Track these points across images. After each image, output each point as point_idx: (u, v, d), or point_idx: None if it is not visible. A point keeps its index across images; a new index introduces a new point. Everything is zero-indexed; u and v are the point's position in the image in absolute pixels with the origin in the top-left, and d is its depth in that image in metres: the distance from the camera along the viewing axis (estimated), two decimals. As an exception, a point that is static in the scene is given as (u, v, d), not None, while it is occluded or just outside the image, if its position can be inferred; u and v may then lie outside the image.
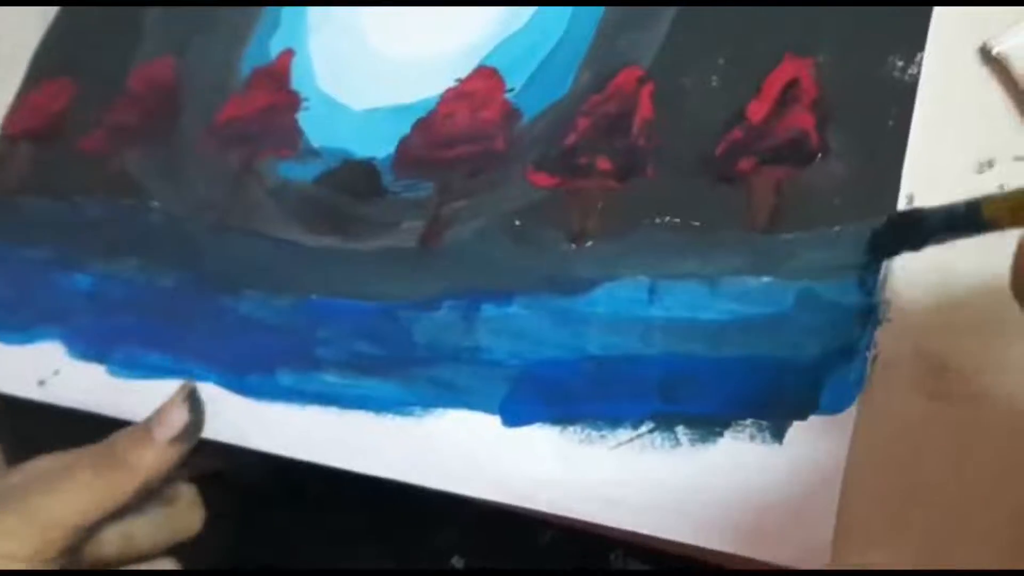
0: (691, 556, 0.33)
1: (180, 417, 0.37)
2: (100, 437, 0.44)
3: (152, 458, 0.36)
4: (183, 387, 0.38)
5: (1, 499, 0.35)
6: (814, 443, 0.30)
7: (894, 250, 0.31)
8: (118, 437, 0.37)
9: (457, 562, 0.40)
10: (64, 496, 0.35)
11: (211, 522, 0.38)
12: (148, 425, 0.37)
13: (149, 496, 0.37)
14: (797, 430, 0.30)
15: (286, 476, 0.40)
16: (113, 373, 0.42)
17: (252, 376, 0.39)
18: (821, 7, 0.36)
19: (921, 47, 0.34)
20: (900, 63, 0.34)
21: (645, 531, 0.31)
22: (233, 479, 0.43)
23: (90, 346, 0.43)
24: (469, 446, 0.35)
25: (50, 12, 0.54)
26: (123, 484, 0.36)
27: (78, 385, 0.42)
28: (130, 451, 0.36)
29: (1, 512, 0.34)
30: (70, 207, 0.48)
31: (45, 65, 0.53)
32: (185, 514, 0.38)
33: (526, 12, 0.42)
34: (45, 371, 0.43)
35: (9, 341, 0.45)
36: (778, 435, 0.30)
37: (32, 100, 0.52)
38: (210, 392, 0.39)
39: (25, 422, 0.48)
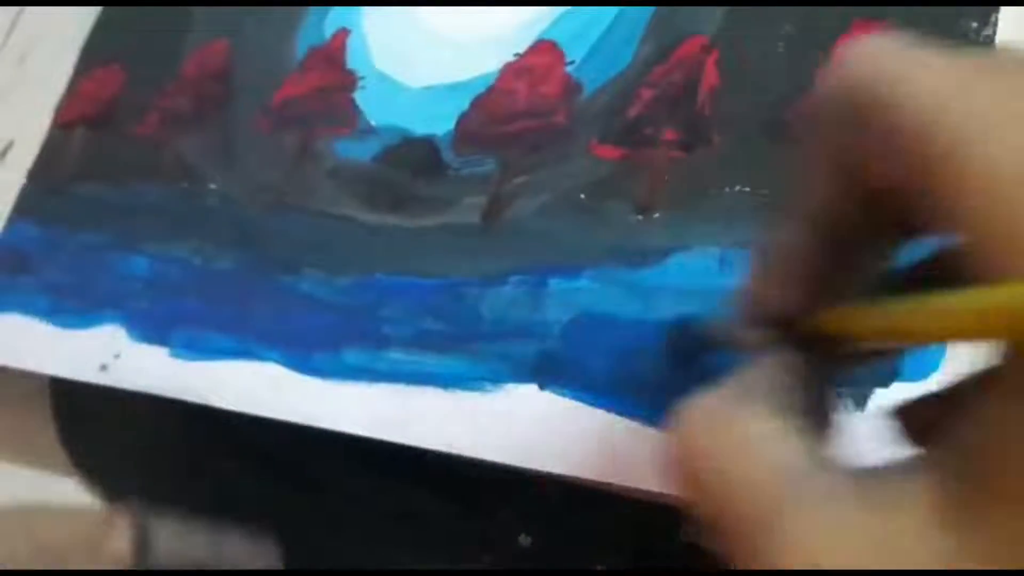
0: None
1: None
2: (158, 420, 0.44)
3: None
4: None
5: None
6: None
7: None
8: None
9: (524, 540, 0.39)
10: None
11: (270, 496, 0.38)
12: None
13: None
14: (880, 398, 0.30)
15: (349, 453, 0.40)
16: (176, 355, 0.42)
17: (317, 355, 0.39)
18: None
19: (996, 7, 0.33)
20: (974, 24, 0.33)
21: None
22: (287, 454, 0.43)
23: (151, 329, 0.43)
24: (540, 420, 0.34)
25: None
26: None
27: (141, 368, 0.42)
28: None
29: None
30: (126, 192, 0.48)
31: (96, 52, 0.53)
32: None
33: (584, -15, 0.41)
34: (107, 355, 0.43)
35: (70, 326, 0.45)
36: (861, 403, 0.30)
37: (84, 88, 0.52)
38: (274, 372, 0.39)
39: (86, 407, 0.48)
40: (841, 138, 0.20)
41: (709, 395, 0.21)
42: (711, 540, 0.19)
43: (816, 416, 0.21)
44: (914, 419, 0.24)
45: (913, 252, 0.22)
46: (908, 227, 0.21)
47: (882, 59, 0.19)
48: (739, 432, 0.19)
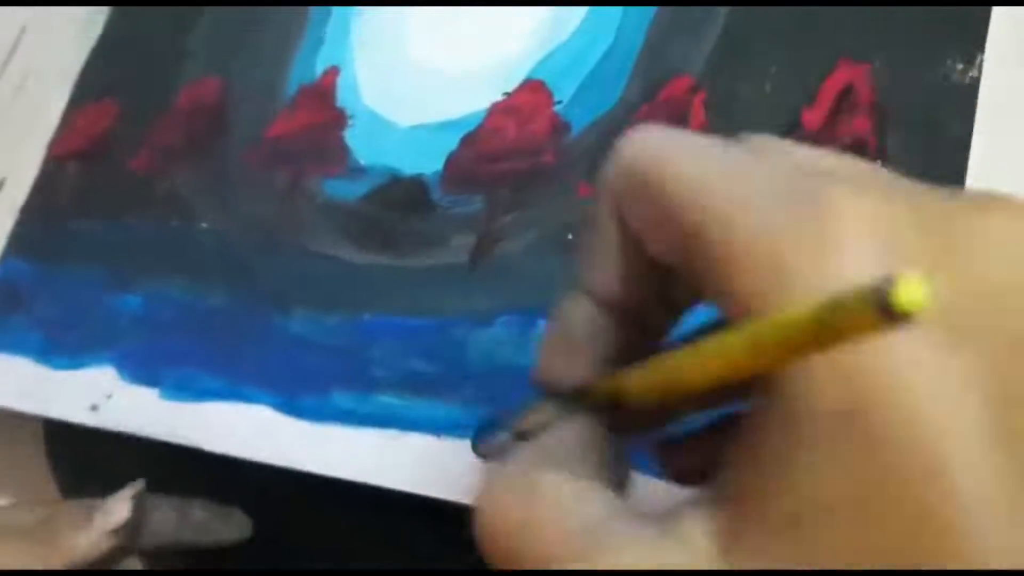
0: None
1: (122, 514, 0.37)
2: (155, 459, 0.44)
3: (85, 543, 0.37)
4: (133, 486, 0.38)
5: None
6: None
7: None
8: (60, 513, 0.37)
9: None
10: None
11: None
12: (91, 512, 0.37)
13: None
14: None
15: (334, 493, 0.40)
16: (166, 396, 0.42)
17: (307, 398, 0.39)
18: (875, 9, 0.35)
19: (981, 48, 0.33)
20: (959, 66, 0.33)
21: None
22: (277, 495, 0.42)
23: (142, 369, 0.43)
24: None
25: (93, 34, 0.54)
26: (48, 560, 0.36)
27: (131, 410, 0.42)
28: (66, 532, 0.37)
29: None
30: (118, 228, 0.48)
31: (89, 87, 0.53)
32: None
33: (572, 23, 0.41)
34: (97, 396, 0.43)
35: (61, 366, 0.45)
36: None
37: (77, 122, 0.52)
38: (264, 415, 0.39)
39: (81, 447, 0.48)
40: (623, 215, 0.22)
41: (508, 464, 0.22)
42: None
43: (617, 471, 0.23)
44: (680, 457, 0.26)
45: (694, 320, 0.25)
46: (687, 298, 0.24)
47: (652, 144, 0.21)
48: (544, 496, 0.20)
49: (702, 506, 0.19)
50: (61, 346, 0.45)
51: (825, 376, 0.17)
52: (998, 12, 0.33)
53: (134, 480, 0.45)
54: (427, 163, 0.41)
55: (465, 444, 0.35)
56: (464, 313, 0.38)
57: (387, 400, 0.37)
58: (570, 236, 0.37)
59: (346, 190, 0.43)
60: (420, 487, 0.35)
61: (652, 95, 0.38)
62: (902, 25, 0.35)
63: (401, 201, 0.41)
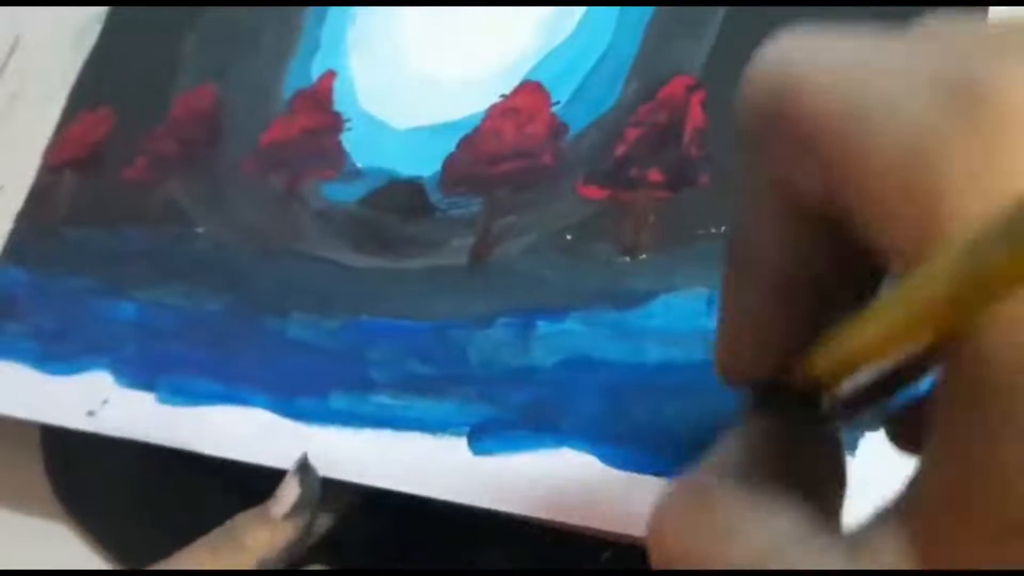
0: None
1: (292, 493, 0.37)
2: (151, 466, 0.44)
3: (267, 536, 0.36)
4: (298, 460, 0.37)
5: None
6: (888, 453, 0.29)
7: None
8: (238, 519, 0.37)
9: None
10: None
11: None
12: (265, 505, 0.37)
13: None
14: (870, 441, 0.29)
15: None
16: (163, 401, 0.42)
17: (304, 400, 0.39)
18: (870, 9, 0.35)
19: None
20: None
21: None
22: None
23: (138, 374, 0.43)
24: (527, 465, 0.34)
25: (89, 41, 0.54)
26: (237, 563, 0.36)
27: (128, 414, 0.42)
28: (247, 531, 0.37)
29: None
30: (114, 236, 0.48)
31: (84, 96, 0.53)
32: None
33: (570, 24, 0.41)
34: (94, 401, 0.43)
35: (57, 372, 0.45)
36: (851, 446, 0.30)
37: (72, 131, 0.52)
38: (261, 417, 0.39)
39: (77, 452, 0.48)
40: (766, 160, 0.18)
41: (683, 481, 0.19)
42: None
43: (815, 477, 0.19)
44: (907, 426, 0.22)
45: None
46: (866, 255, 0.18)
47: (778, 59, 0.17)
48: (714, 515, 0.18)
49: (892, 515, 0.16)
50: (57, 352, 0.45)
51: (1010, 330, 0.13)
52: (994, 12, 0.33)
53: (131, 483, 0.45)
54: (425, 165, 0.41)
55: (462, 442, 0.35)
56: (463, 315, 0.37)
57: (384, 401, 0.37)
58: (569, 237, 0.37)
59: (344, 193, 0.43)
60: (417, 487, 0.35)
61: (650, 95, 0.38)
62: (897, 24, 0.35)
63: (399, 204, 0.41)
